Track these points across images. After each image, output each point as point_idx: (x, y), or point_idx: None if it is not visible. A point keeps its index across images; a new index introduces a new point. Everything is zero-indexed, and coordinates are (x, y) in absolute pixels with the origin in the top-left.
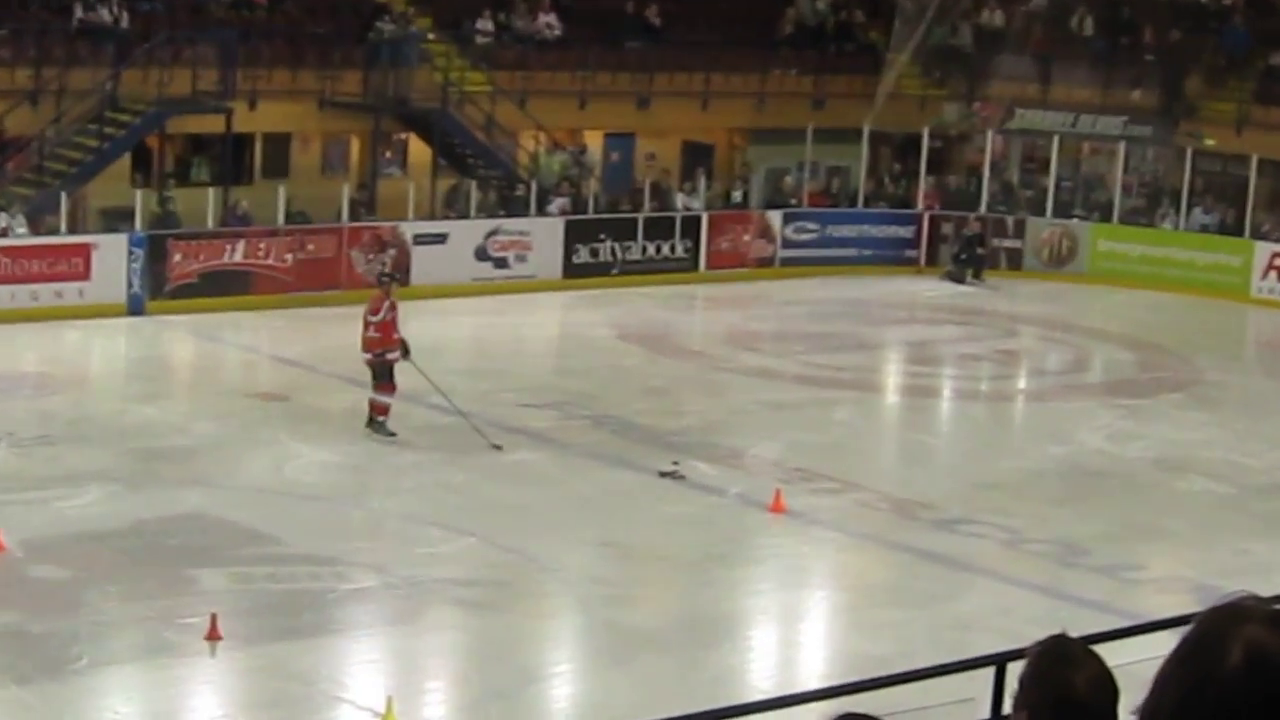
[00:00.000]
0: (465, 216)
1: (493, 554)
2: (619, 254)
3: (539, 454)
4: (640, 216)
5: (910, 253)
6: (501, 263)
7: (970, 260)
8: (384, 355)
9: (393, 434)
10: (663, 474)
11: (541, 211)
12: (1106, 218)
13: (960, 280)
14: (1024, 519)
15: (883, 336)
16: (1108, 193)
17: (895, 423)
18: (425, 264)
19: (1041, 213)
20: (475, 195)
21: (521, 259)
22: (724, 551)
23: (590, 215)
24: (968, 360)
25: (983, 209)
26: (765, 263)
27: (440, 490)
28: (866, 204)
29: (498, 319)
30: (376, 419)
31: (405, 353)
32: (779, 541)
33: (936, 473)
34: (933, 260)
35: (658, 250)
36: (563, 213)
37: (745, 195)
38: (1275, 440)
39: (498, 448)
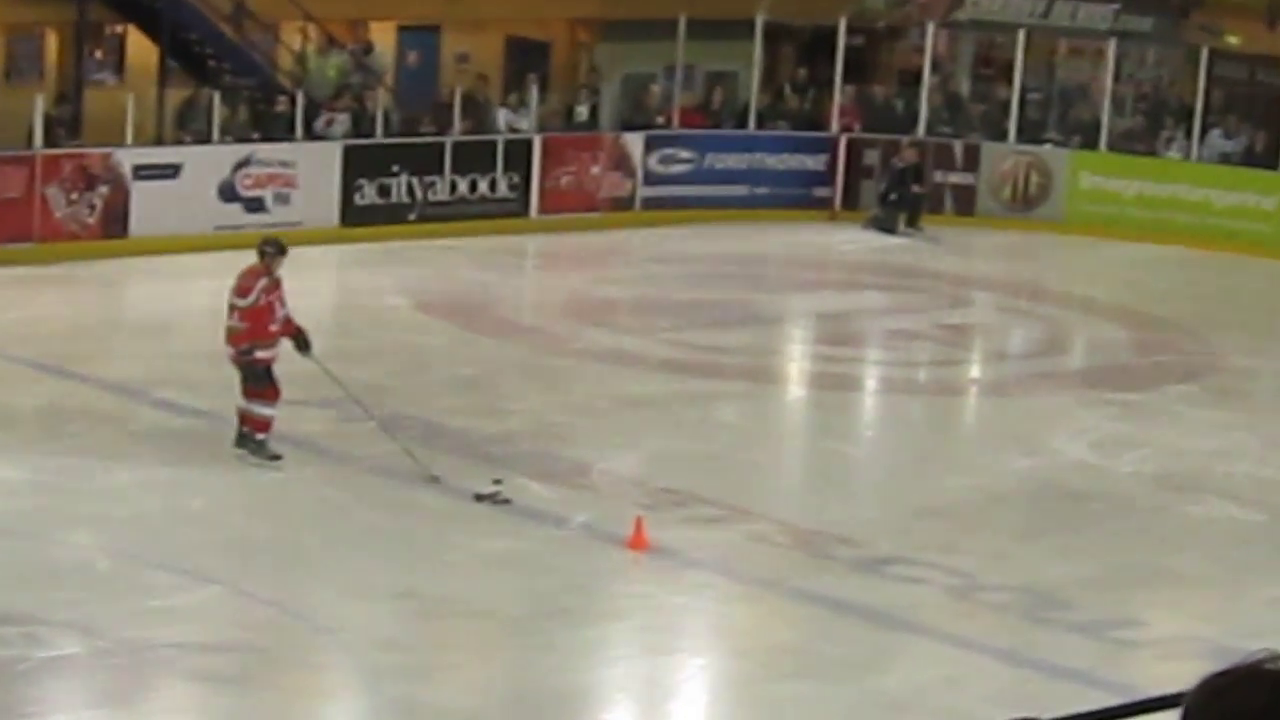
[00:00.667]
0: (205, 141)
1: (245, 608)
2: (419, 193)
3: (310, 469)
4: (448, 141)
5: (821, 191)
6: (255, 204)
7: (903, 201)
8: (252, 353)
9: (276, 456)
10: (480, 497)
11: (311, 134)
12: (1091, 143)
13: (890, 229)
14: (979, 558)
15: (783, 306)
16: (1092, 109)
17: (801, 426)
18: (150, 206)
19: (1002, 137)
20: (219, 111)
21: (283, 199)
22: (565, 604)
23: (379, 139)
24: (900, 339)
25: (921, 131)
26: (621, 204)
27: (173, 520)
28: (761, 124)
29: None
30: (251, 435)
31: (302, 346)
32: (641, 589)
33: (858, 495)
34: (852, 202)
35: (472, 188)
36: (339, 134)
37: (593, 112)
38: None
39: (435, 479)
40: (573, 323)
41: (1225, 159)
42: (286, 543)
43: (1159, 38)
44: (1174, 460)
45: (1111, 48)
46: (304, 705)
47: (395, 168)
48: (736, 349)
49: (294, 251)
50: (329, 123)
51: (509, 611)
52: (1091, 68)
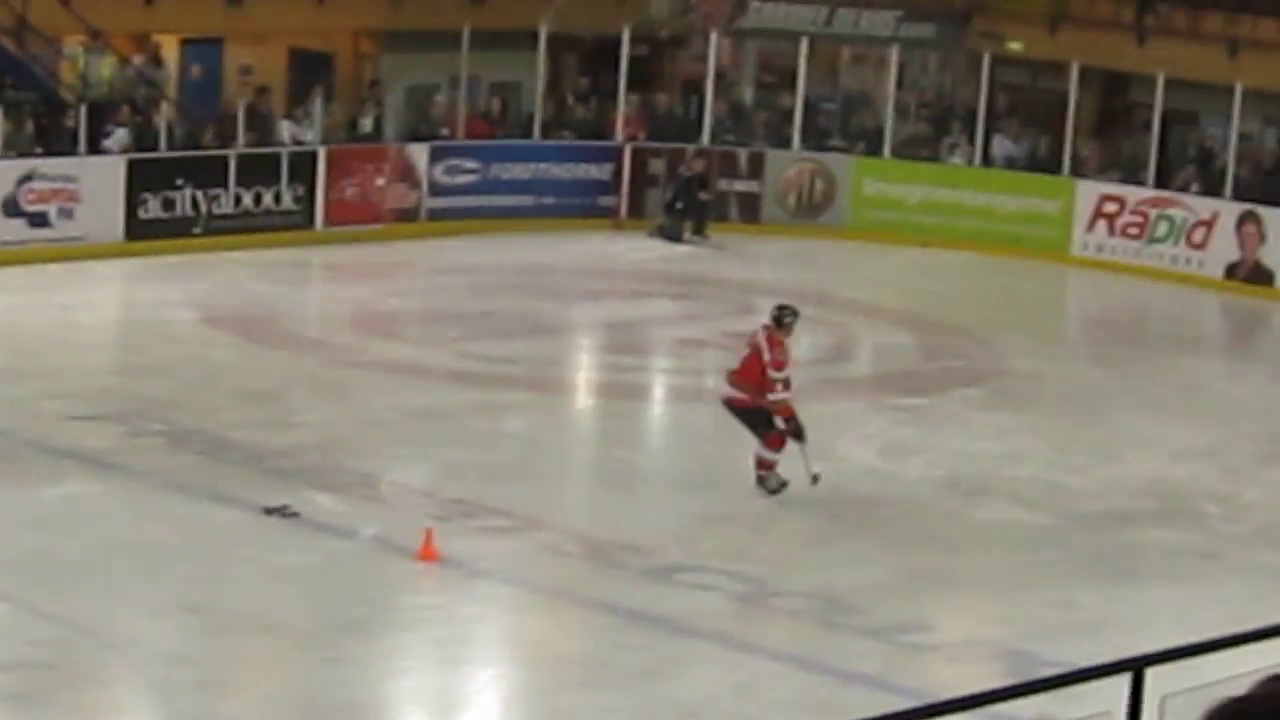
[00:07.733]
0: None
1: (30, 625)
2: (203, 206)
3: (96, 485)
4: (232, 154)
5: (606, 200)
6: (39, 219)
7: (689, 210)
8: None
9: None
10: (269, 510)
11: (95, 148)
12: (874, 150)
13: (676, 237)
14: (768, 564)
15: (571, 316)
16: (876, 116)
17: (589, 435)
18: None
19: (786, 144)
20: (2, 126)
21: (67, 214)
22: (355, 616)
23: (163, 153)
24: (688, 347)
25: (705, 140)
26: (406, 216)
27: None
28: (545, 134)
29: (35, 297)
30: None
31: None
32: (432, 600)
33: (647, 503)
34: (637, 210)
35: (257, 200)
36: (123, 150)
37: (378, 123)
38: (1106, 451)
39: None
40: (360, 335)
41: (1009, 164)
42: (73, 559)
43: (941, 44)
44: (961, 464)
45: (894, 55)
46: None
47: (179, 181)
48: (524, 359)
49: (77, 266)
50: (122, 147)
51: (299, 625)
52: (874, 75)
